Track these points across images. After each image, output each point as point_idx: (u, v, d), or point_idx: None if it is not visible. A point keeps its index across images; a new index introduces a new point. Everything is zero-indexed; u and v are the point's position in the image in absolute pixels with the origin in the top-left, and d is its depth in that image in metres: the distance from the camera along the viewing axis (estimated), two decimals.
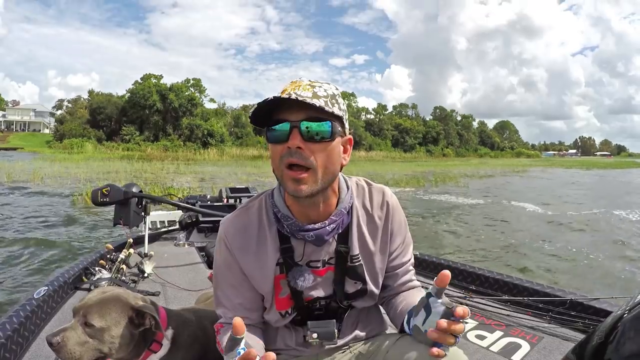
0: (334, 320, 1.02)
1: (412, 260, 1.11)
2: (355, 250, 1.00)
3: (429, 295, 0.84)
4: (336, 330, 1.01)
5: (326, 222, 0.95)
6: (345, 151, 0.95)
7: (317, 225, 0.94)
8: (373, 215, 1.02)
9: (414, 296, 1.01)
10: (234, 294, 1.01)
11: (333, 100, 0.89)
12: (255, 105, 0.86)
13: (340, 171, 0.97)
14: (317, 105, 0.84)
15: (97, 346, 1.02)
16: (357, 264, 1.01)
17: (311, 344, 1.02)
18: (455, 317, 0.78)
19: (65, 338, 1.00)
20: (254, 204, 1.03)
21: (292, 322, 1.04)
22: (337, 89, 0.93)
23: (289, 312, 1.01)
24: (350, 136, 0.96)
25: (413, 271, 1.11)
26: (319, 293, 1.01)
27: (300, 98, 0.84)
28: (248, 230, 1.00)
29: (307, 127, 0.86)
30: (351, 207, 1.00)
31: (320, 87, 0.89)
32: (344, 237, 1.00)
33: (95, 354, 1.02)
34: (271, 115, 0.89)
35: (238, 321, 0.75)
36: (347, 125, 0.94)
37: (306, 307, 1.02)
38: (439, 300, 0.82)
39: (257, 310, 1.03)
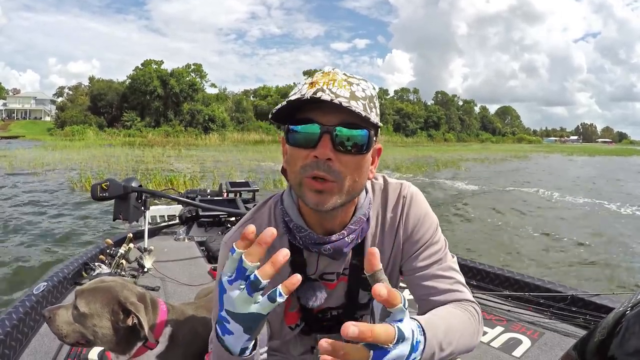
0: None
1: (447, 265, 0.89)
2: None
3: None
4: None
5: (344, 232, 0.83)
6: (372, 162, 0.83)
7: (334, 237, 0.82)
8: (387, 217, 0.90)
9: (452, 316, 0.78)
10: None
11: (371, 104, 0.76)
12: (284, 102, 0.74)
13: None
14: (357, 111, 0.70)
15: (81, 330, 1.06)
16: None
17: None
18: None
19: (57, 315, 1.06)
20: (261, 214, 0.92)
21: (299, 332, 0.98)
22: (374, 88, 0.80)
23: (298, 324, 0.96)
24: (380, 145, 0.83)
25: (450, 279, 0.87)
26: (330, 303, 0.94)
27: (337, 100, 0.70)
28: None
29: (341, 135, 0.73)
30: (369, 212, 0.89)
31: (358, 85, 0.76)
32: (360, 247, 0.88)
33: (78, 336, 1.07)
34: (295, 111, 0.76)
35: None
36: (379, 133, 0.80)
37: (315, 317, 0.95)
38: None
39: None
